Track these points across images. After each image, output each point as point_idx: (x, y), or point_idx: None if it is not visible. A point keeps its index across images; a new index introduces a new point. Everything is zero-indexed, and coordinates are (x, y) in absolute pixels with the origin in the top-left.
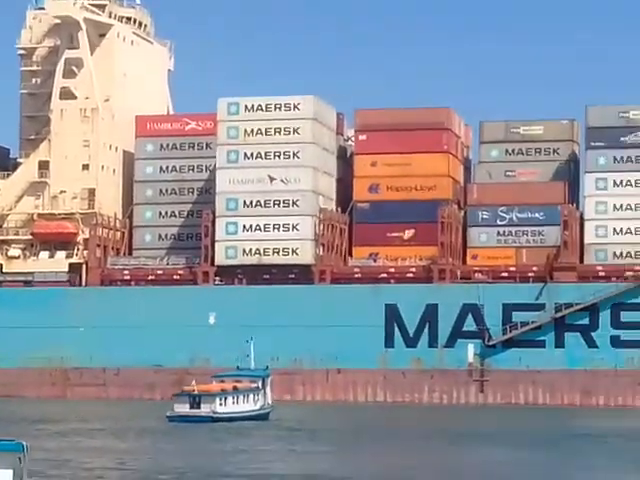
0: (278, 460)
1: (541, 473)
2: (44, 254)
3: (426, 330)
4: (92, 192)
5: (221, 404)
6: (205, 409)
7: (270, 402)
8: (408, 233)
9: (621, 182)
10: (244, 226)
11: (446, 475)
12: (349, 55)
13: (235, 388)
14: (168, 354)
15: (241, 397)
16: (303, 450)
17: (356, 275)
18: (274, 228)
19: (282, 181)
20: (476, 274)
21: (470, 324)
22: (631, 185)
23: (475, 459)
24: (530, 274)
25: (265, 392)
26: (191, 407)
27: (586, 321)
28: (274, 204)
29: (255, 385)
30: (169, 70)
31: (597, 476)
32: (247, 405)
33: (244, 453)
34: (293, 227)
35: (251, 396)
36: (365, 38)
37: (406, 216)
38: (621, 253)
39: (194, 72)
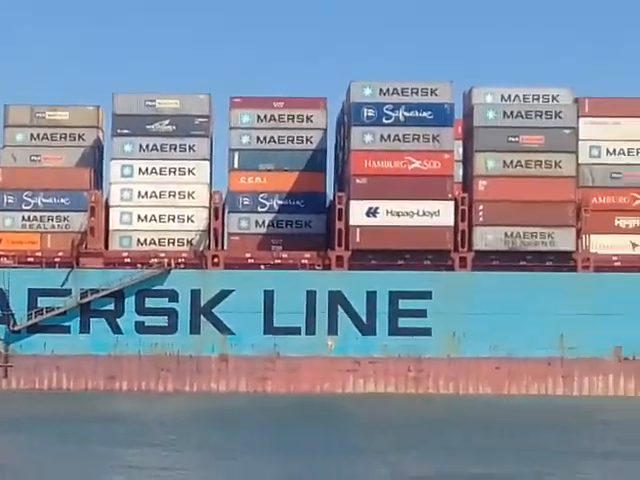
0: None
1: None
2: None
3: None
4: None
5: None
6: None
7: None
8: None
9: (147, 170)
10: None
11: None
12: None
13: None
14: None
15: None
16: None
17: None
18: None
19: None
20: (1, 258)
21: None
22: (156, 173)
23: None
24: (56, 259)
25: None
26: None
27: (111, 307)
28: None
29: None
30: None
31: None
32: None
33: None
34: None
35: None
36: None
37: None
38: (145, 240)
39: None
